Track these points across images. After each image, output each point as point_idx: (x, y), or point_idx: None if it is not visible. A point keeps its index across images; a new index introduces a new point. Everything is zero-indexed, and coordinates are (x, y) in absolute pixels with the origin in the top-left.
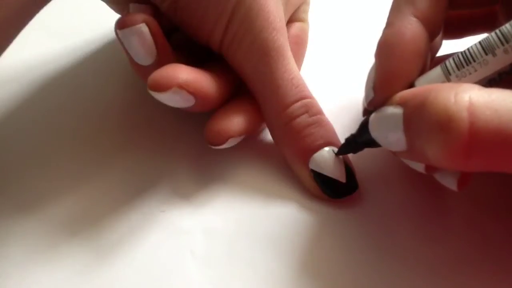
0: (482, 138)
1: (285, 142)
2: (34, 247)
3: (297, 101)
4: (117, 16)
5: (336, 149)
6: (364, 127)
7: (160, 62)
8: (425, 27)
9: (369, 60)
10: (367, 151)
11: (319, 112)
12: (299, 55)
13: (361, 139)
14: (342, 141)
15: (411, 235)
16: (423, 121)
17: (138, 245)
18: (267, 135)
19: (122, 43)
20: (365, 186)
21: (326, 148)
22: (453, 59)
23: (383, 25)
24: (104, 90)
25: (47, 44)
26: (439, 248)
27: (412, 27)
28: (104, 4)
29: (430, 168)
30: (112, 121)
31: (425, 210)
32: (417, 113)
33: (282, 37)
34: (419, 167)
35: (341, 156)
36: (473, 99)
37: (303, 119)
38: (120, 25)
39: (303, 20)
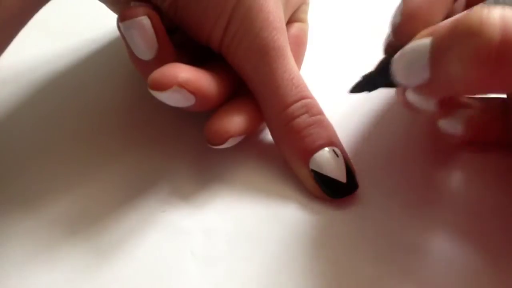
0: None
1: (285, 142)
2: (34, 247)
3: (297, 101)
4: (116, 16)
5: (336, 149)
6: (383, 64)
7: (161, 57)
8: None
9: (369, 60)
10: (367, 151)
11: (320, 112)
12: (298, 55)
13: (379, 77)
14: (343, 141)
15: (411, 235)
16: (455, 34)
17: (138, 245)
18: (267, 135)
19: (123, 36)
20: (365, 186)
21: (327, 148)
22: None
23: (383, 25)
24: (104, 90)
25: (47, 44)
26: (439, 248)
27: None
28: (104, 5)
29: (442, 105)
30: (112, 121)
31: (425, 210)
32: (448, 34)
33: (282, 37)
34: (430, 105)
35: (341, 156)
36: (506, 13)
37: (303, 119)
38: (121, 17)
39: (302, 21)
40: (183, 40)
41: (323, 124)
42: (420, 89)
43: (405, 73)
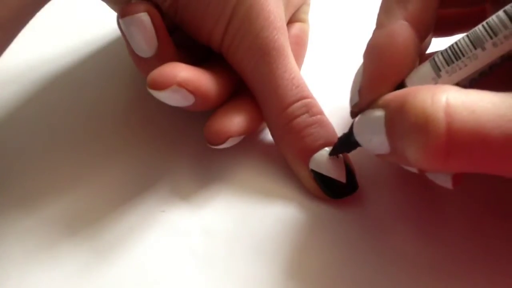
0: (460, 139)
1: (285, 142)
2: (34, 247)
3: (297, 101)
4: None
5: None
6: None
7: (161, 55)
8: (415, 30)
9: None
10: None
11: (320, 112)
12: (299, 56)
13: (353, 138)
14: None
15: (412, 235)
16: (403, 123)
17: (138, 245)
18: (267, 135)
19: (123, 33)
20: (365, 186)
21: (326, 148)
22: (442, 54)
23: None
24: (104, 90)
25: (47, 44)
26: (439, 248)
27: (403, 31)
28: (104, 4)
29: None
30: (112, 120)
31: (425, 210)
32: (397, 115)
33: (282, 37)
34: (411, 167)
35: (341, 156)
36: (450, 100)
37: (303, 119)
38: (121, 14)
39: (303, 21)
40: (183, 40)
41: (323, 124)
42: (385, 157)
43: (367, 144)
